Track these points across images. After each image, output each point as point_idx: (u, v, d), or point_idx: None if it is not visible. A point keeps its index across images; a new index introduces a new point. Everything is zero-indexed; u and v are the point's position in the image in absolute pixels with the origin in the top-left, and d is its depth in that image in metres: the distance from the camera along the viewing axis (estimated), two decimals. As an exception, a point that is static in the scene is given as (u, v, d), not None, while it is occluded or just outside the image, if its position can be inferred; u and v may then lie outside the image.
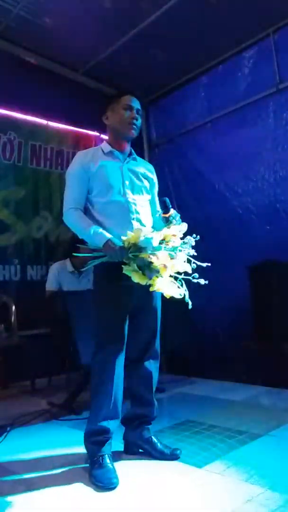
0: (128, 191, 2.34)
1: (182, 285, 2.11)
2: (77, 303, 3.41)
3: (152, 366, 2.34)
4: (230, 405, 3.25)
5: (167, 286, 2.06)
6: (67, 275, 4.10)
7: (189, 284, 2.14)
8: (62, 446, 2.54)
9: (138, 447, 2.33)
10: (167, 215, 2.24)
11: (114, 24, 4.25)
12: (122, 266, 2.07)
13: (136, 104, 2.40)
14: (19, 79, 4.46)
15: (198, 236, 2.19)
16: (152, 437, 2.32)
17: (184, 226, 2.22)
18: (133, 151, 2.48)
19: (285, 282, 3.88)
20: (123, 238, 2.11)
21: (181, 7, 4.02)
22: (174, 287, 2.08)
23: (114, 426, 2.19)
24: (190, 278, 2.12)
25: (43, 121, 4.81)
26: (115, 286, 2.16)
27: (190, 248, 2.17)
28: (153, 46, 4.56)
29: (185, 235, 2.22)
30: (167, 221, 2.24)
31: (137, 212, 2.33)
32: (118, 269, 2.08)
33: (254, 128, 4.51)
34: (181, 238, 2.19)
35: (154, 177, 2.58)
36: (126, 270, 2.05)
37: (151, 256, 2.02)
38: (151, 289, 2.05)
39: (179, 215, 2.28)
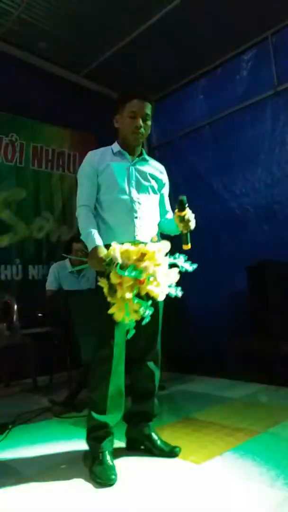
0: (133, 190, 2.35)
1: (144, 313, 1.97)
2: (78, 302, 3.45)
3: (154, 365, 2.36)
4: (229, 402, 3.26)
5: (121, 306, 1.98)
6: (66, 275, 4.13)
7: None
8: (63, 443, 2.55)
9: (140, 444, 2.35)
10: (181, 214, 2.20)
11: (115, 27, 4.29)
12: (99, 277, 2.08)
13: (142, 109, 2.35)
14: (21, 81, 4.51)
15: (196, 265, 2.07)
16: (152, 433, 2.33)
17: (166, 245, 2.11)
18: (144, 151, 2.49)
19: (283, 281, 3.92)
20: (111, 248, 2.07)
21: (181, 10, 4.06)
22: (130, 308, 1.97)
23: (114, 421, 2.20)
24: (175, 262, 2.04)
25: (45, 123, 4.83)
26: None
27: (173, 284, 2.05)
28: (153, 48, 4.60)
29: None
30: (182, 220, 2.21)
31: (142, 211, 2.34)
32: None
33: (252, 130, 4.56)
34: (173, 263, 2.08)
35: (164, 177, 2.58)
36: (100, 282, 2.06)
37: (114, 272, 1.96)
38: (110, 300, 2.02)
39: (193, 215, 2.25)
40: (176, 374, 4.29)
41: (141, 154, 2.47)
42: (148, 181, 2.45)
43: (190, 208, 2.27)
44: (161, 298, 2.02)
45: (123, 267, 1.97)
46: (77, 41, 4.43)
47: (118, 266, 1.96)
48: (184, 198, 2.22)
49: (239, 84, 4.71)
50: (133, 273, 1.96)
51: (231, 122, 4.77)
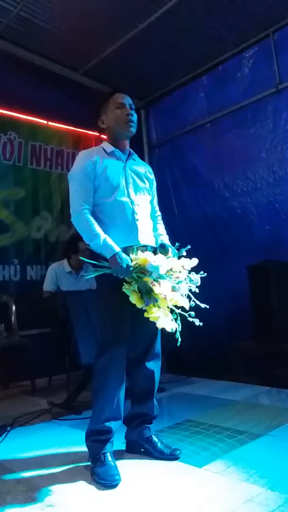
0: (132, 192, 2.33)
1: (177, 319, 2.04)
2: (77, 303, 3.41)
3: (154, 366, 2.34)
4: (229, 405, 3.25)
5: (161, 317, 1.99)
6: (65, 276, 4.11)
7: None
8: (62, 445, 2.54)
9: (139, 447, 2.33)
10: (166, 255, 2.22)
11: (114, 25, 4.26)
12: (124, 283, 2.07)
13: (128, 100, 2.37)
14: (19, 79, 4.48)
15: (205, 274, 2.14)
16: (153, 436, 2.32)
17: (194, 261, 2.15)
18: (132, 150, 2.47)
19: (284, 281, 3.89)
20: (132, 256, 2.11)
21: (181, 8, 4.04)
22: (168, 319, 2.00)
23: (116, 426, 2.18)
24: (186, 315, 2.03)
25: (43, 121, 4.82)
26: (118, 293, 2.12)
27: (195, 285, 2.12)
28: (153, 46, 4.57)
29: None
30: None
31: (140, 213, 2.32)
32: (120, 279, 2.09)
33: (254, 128, 4.54)
34: (188, 272, 2.15)
35: (153, 177, 2.56)
36: (125, 289, 2.04)
37: (154, 282, 1.99)
38: (145, 314, 2.01)
39: (177, 252, 2.24)
40: (176, 376, 4.28)
41: (130, 153, 2.44)
42: (143, 181, 2.44)
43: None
44: (187, 307, 2.05)
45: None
46: (76, 39, 4.40)
47: (155, 273, 2.01)
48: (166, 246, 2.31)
49: (240, 82, 4.67)
50: (173, 280, 2.04)
51: (232, 120, 4.74)
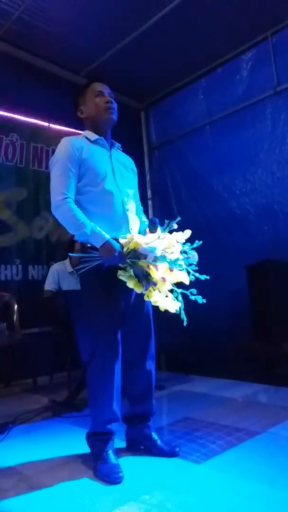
0: (120, 182, 2.26)
1: (178, 298, 1.98)
2: (78, 302, 3.44)
3: (151, 366, 2.33)
4: (228, 402, 3.26)
5: (163, 299, 1.93)
6: (66, 276, 4.12)
7: (189, 285, 2.05)
8: (64, 443, 2.55)
9: (139, 444, 2.34)
10: (154, 233, 2.07)
11: (115, 27, 4.29)
12: (118, 270, 2.00)
13: (106, 89, 2.31)
14: (21, 81, 4.50)
15: (201, 242, 2.07)
16: (153, 433, 2.31)
17: (187, 233, 2.06)
18: (114, 141, 2.38)
19: (283, 281, 3.92)
20: (122, 241, 2.02)
21: (181, 10, 4.06)
22: (169, 300, 1.95)
23: (116, 427, 2.18)
24: (187, 293, 1.97)
25: (45, 123, 4.82)
26: (104, 289, 2.09)
27: (194, 263, 2.03)
28: (153, 48, 4.60)
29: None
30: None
31: (130, 204, 2.27)
32: (108, 271, 2.03)
33: (252, 130, 4.57)
34: (182, 244, 2.06)
35: (135, 170, 2.49)
36: (121, 275, 1.96)
37: (150, 266, 1.90)
38: (145, 298, 1.95)
39: (163, 228, 2.11)
40: (176, 374, 4.29)
41: (112, 142, 2.38)
42: (129, 172, 2.38)
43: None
44: (187, 282, 1.97)
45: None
46: (77, 41, 4.43)
47: (150, 256, 1.89)
48: (156, 220, 2.10)
49: (239, 84, 4.71)
50: (169, 261, 1.93)
51: (231, 122, 4.77)
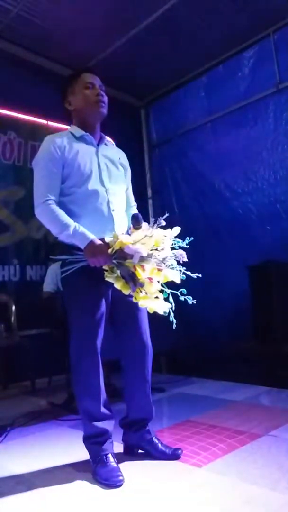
0: (106, 180, 2.16)
1: (168, 298, 1.91)
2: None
3: (148, 366, 2.26)
4: (230, 405, 3.23)
5: (151, 300, 1.86)
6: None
7: (188, 283, 1.97)
8: (62, 446, 2.53)
9: (138, 448, 2.30)
10: (138, 229, 1.98)
11: (114, 24, 4.27)
12: (105, 271, 1.93)
13: (98, 81, 2.22)
14: (19, 78, 4.47)
15: (192, 238, 2.00)
16: (154, 438, 2.27)
17: (176, 230, 1.98)
18: (103, 134, 2.30)
19: (285, 281, 3.89)
20: (107, 240, 1.95)
21: (181, 8, 4.04)
22: (159, 301, 1.87)
23: (110, 425, 2.14)
24: (177, 293, 1.91)
25: (43, 121, 4.80)
26: (88, 289, 2.03)
27: (181, 262, 1.96)
28: (153, 46, 4.58)
29: (184, 236, 2.04)
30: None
31: (116, 203, 2.18)
32: (91, 271, 1.97)
33: (254, 128, 4.54)
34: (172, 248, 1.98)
35: (128, 165, 2.39)
36: (107, 277, 1.90)
37: (136, 266, 1.82)
38: (133, 300, 1.88)
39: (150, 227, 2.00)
40: (176, 377, 4.26)
41: (101, 138, 2.28)
42: (118, 168, 2.28)
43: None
44: (178, 281, 1.90)
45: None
46: (76, 38, 4.40)
47: (135, 257, 1.81)
48: (139, 215, 1.99)
49: (240, 82, 4.68)
50: (156, 260, 1.86)
51: (232, 120, 4.74)
